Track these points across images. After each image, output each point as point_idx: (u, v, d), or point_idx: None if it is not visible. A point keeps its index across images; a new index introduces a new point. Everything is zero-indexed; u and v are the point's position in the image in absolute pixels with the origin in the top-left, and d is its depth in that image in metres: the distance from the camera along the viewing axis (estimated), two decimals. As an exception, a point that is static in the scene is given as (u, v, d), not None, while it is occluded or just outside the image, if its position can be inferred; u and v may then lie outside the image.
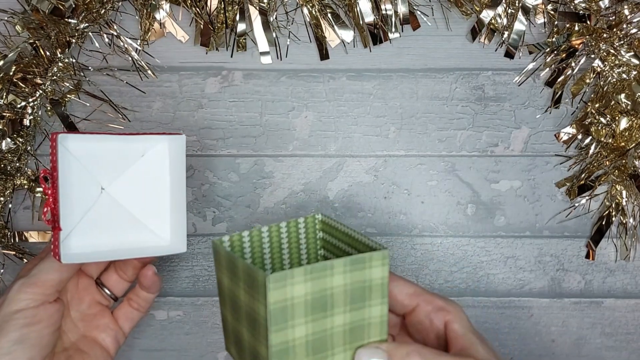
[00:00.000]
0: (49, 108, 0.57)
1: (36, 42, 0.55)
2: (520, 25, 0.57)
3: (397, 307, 0.45)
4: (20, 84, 0.56)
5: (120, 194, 0.49)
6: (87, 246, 0.47)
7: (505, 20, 0.57)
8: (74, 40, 0.56)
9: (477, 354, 0.41)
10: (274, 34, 0.58)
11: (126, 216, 0.49)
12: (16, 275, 0.50)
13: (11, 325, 0.44)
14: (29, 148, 0.57)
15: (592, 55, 0.57)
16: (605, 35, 0.56)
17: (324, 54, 0.58)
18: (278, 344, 0.37)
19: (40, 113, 0.57)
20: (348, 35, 0.58)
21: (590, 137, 0.58)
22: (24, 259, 0.58)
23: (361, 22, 0.57)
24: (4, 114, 0.56)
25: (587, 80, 0.57)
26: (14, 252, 0.58)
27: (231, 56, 0.58)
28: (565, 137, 0.59)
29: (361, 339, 0.41)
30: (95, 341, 0.50)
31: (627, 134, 0.56)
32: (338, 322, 0.39)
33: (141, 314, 0.52)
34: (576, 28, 0.57)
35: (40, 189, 0.58)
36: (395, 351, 0.40)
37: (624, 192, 0.58)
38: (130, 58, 0.57)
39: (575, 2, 0.56)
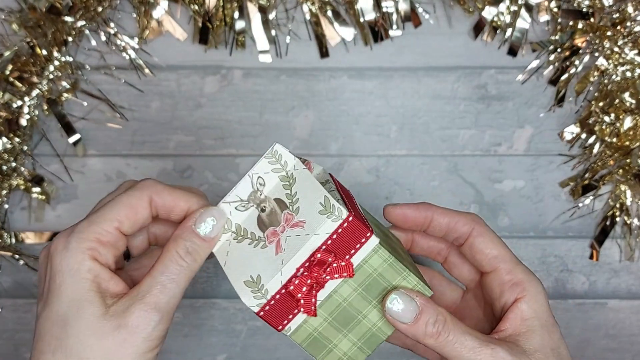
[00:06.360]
0: (45, 107, 0.57)
1: (33, 40, 0.55)
2: (523, 23, 0.57)
3: (475, 266, 0.41)
4: (17, 83, 0.56)
5: None
6: None
7: (508, 18, 0.57)
8: (71, 39, 0.56)
9: (527, 344, 0.37)
10: (273, 32, 0.57)
11: None
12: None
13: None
14: (25, 148, 0.57)
15: (596, 54, 0.56)
16: (609, 33, 0.55)
17: (324, 52, 0.57)
18: (304, 340, 0.39)
19: (37, 113, 0.57)
20: (348, 33, 0.57)
21: (594, 136, 0.57)
22: (21, 260, 0.57)
23: (362, 20, 0.56)
24: (0, 113, 0.55)
25: (591, 79, 0.57)
26: (11, 254, 0.57)
27: (230, 54, 0.57)
28: (568, 136, 0.58)
29: (384, 286, 0.38)
30: None
31: (631, 132, 0.56)
32: (346, 292, 0.38)
33: None
34: (580, 26, 0.56)
35: (37, 190, 0.57)
36: (426, 309, 0.37)
37: (628, 192, 0.58)
38: (128, 56, 0.57)
39: (579, -1, 0.55)
